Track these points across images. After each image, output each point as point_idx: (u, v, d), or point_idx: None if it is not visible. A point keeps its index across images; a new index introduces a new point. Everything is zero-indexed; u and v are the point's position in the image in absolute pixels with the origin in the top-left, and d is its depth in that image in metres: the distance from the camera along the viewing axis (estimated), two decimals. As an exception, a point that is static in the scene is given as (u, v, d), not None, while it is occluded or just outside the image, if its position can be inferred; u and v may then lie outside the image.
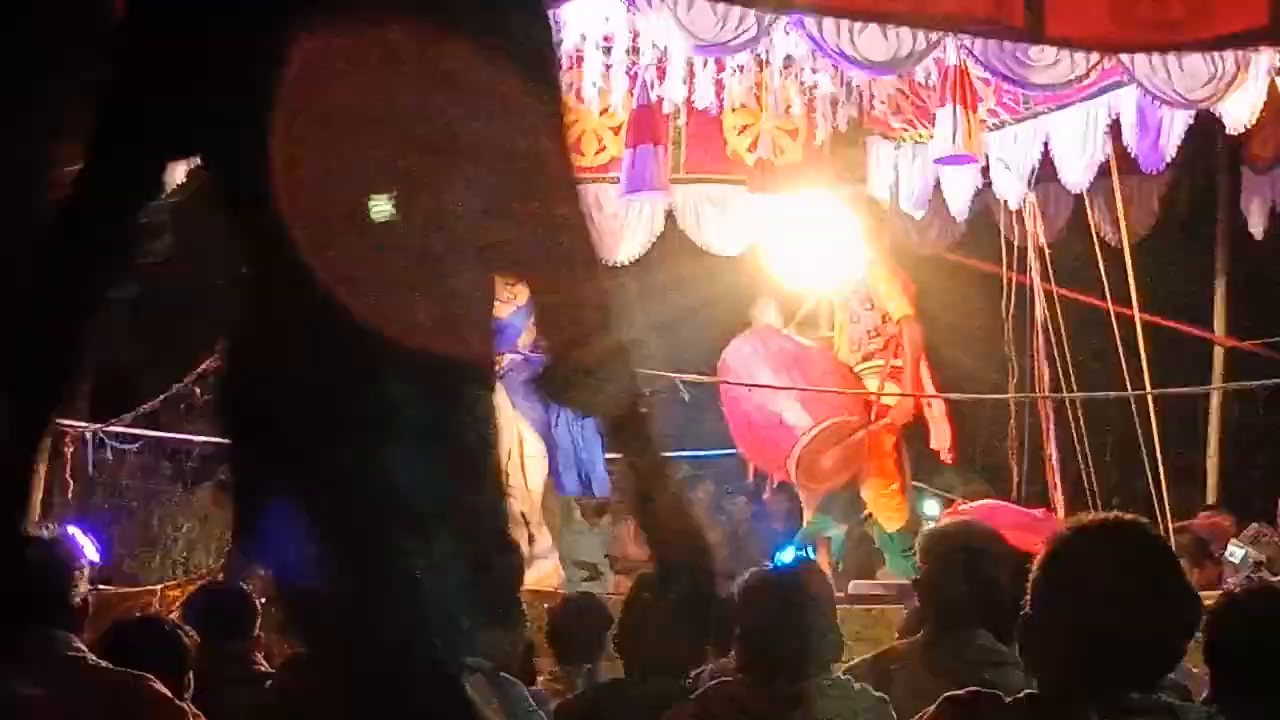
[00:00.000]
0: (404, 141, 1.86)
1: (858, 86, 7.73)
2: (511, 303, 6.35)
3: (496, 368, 2.12)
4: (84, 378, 2.06)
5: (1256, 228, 8.97)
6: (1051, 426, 8.54)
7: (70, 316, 2.02)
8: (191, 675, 3.89)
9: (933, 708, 2.50)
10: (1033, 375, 8.57)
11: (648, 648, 3.92)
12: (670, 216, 8.64)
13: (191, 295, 9.10)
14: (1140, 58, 6.66)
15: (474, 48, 1.89)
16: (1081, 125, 7.62)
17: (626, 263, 8.17)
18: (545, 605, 5.46)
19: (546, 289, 2.02)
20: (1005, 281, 8.62)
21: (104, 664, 3.26)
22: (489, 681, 3.64)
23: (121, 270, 2.06)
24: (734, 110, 8.05)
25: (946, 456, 7.40)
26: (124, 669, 3.28)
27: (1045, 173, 8.08)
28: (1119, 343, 7.96)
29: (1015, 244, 8.70)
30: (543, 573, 7.00)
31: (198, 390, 7.60)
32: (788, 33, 6.47)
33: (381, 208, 1.85)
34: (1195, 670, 3.21)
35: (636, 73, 6.86)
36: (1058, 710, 2.35)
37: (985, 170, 8.15)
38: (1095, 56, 6.67)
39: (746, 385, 7.22)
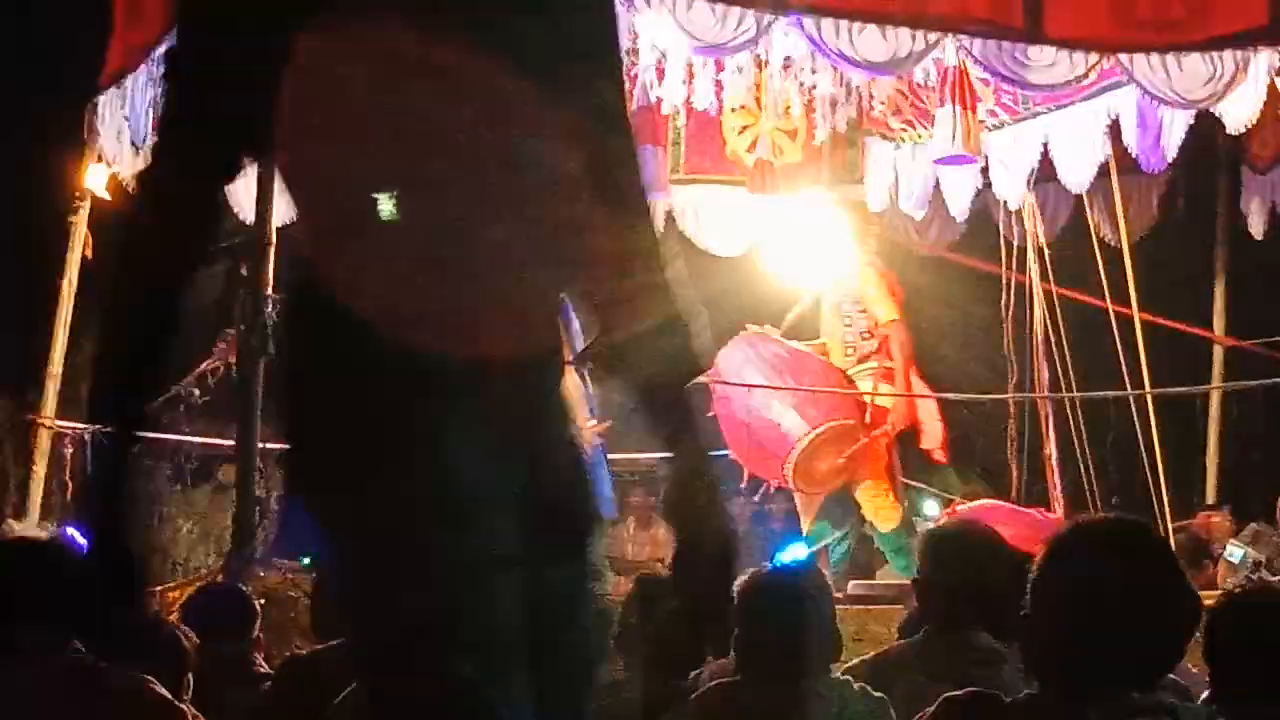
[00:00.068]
0: (473, 146, 1.88)
1: (857, 87, 7.72)
2: None
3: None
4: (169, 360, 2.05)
5: (1256, 227, 8.98)
6: (1051, 426, 8.54)
7: (162, 296, 2.03)
8: (191, 676, 3.89)
9: (932, 708, 2.50)
10: (1032, 375, 8.57)
11: (648, 647, 3.92)
12: (670, 217, 8.64)
13: (191, 295, 9.10)
14: (1139, 58, 6.66)
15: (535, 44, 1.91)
16: (1081, 125, 7.62)
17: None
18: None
19: (608, 263, 2.03)
20: (1005, 281, 8.62)
21: (103, 665, 3.26)
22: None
23: (207, 247, 2.06)
24: (733, 111, 8.05)
25: (939, 455, 7.39)
26: (123, 670, 3.28)
27: (1045, 173, 8.08)
28: (1118, 342, 7.96)
29: (1015, 244, 8.71)
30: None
31: (197, 391, 7.60)
32: (786, 33, 6.47)
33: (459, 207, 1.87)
34: (1195, 670, 3.22)
35: (636, 74, 6.86)
36: (1057, 710, 2.35)
37: (985, 170, 8.16)
38: (1094, 57, 6.67)
39: (747, 386, 7.21)
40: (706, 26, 6.32)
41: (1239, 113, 6.83)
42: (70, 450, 7.66)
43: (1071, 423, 8.37)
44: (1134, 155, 7.48)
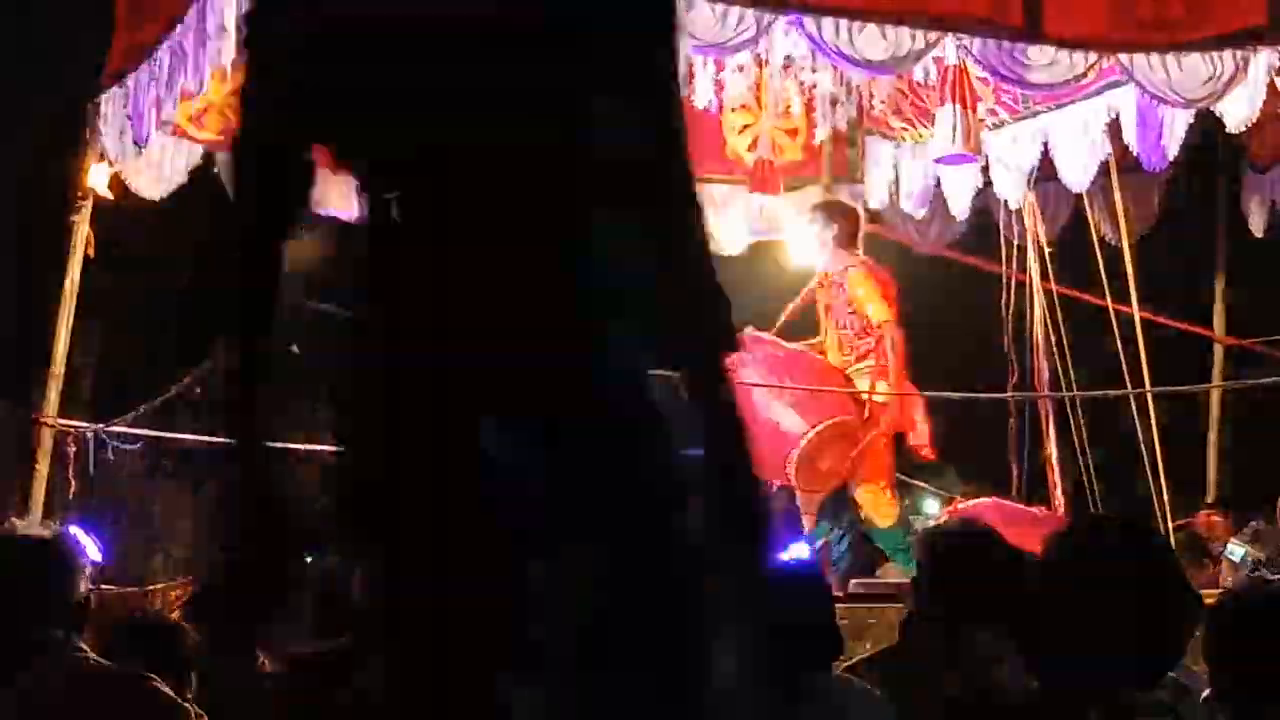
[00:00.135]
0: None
1: (857, 86, 7.73)
2: None
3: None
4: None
5: (1257, 226, 8.98)
6: (1051, 425, 8.55)
7: (268, 250, 2.11)
8: (194, 674, 3.90)
9: (933, 707, 2.51)
10: (1032, 374, 8.57)
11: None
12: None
13: (193, 295, 9.12)
14: (1139, 57, 6.66)
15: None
16: (1081, 125, 7.62)
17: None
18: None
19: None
20: (1005, 280, 8.62)
21: (106, 663, 3.27)
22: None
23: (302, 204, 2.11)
24: (734, 110, 8.05)
25: (927, 453, 7.37)
26: (126, 668, 3.29)
27: (1045, 172, 8.09)
28: (1119, 341, 7.97)
29: (1015, 243, 8.71)
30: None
31: (199, 390, 7.61)
32: (786, 32, 6.47)
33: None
34: (1196, 669, 3.22)
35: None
36: (1058, 709, 2.36)
37: (985, 169, 8.16)
38: (1094, 56, 6.67)
39: (748, 386, 7.21)
40: (706, 25, 6.32)
41: (1239, 112, 6.83)
42: (72, 449, 7.66)
43: (1072, 422, 8.38)
44: (1134, 154, 7.48)
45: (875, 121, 8.46)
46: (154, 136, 7.27)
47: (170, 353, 8.66)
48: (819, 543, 7.21)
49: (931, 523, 7.52)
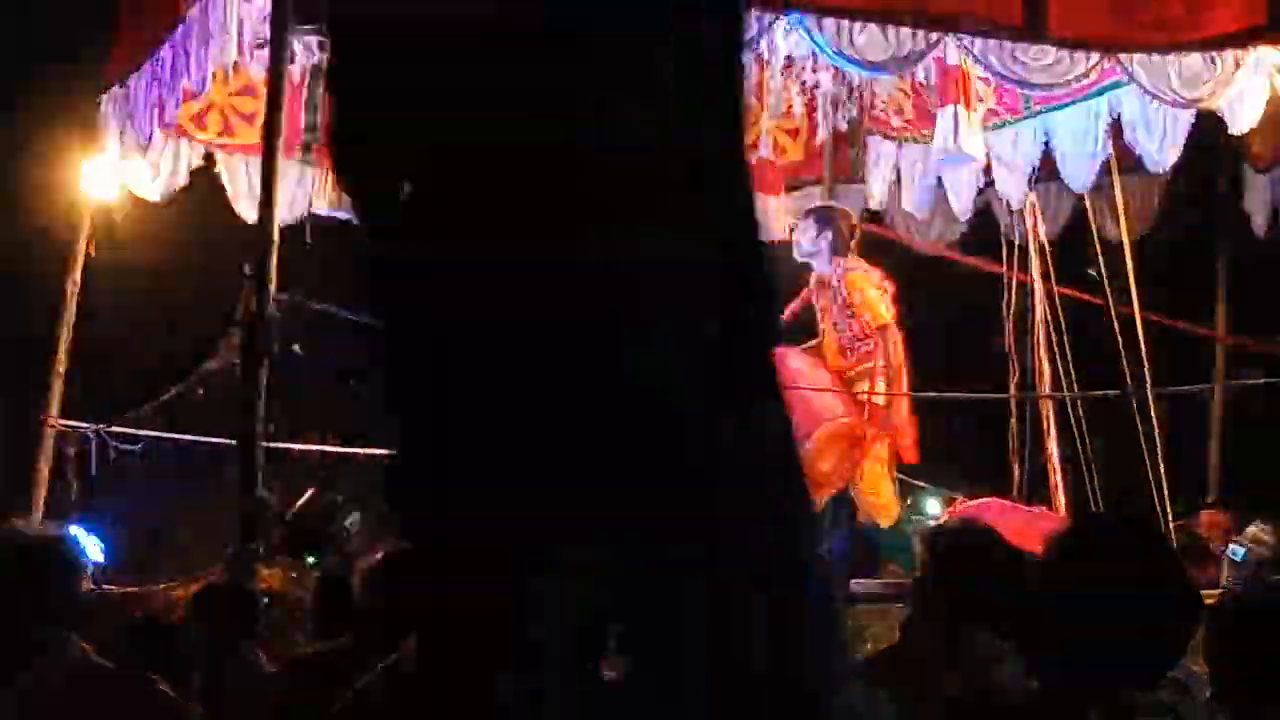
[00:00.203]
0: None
1: (858, 86, 7.73)
2: None
3: None
4: None
5: (1258, 226, 8.98)
6: (1053, 425, 8.55)
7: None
8: (195, 675, 3.91)
9: (933, 707, 2.51)
10: (1034, 374, 8.57)
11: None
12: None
13: (195, 296, 9.12)
14: (1140, 57, 6.66)
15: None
16: (1083, 124, 7.62)
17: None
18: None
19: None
20: (1006, 280, 8.63)
21: (108, 663, 3.27)
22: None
23: None
24: (734, 110, 8.04)
25: (911, 455, 7.36)
26: (127, 668, 3.29)
27: (1046, 172, 8.09)
28: (1120, 341, 7.96)
29: (1016, 243, 8.71)
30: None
31: (201, 390, 7.62)
32: (788, 32, 6.47)
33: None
34: (1197, 669, 3.22)
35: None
36: (1058, 708, 2.36)
37: (986, 169, 8.16)
38: (1095, 55, 6.67)
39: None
40: (707, 26, 6.31)
41: (1240, 112, 6.83)
42: (74, 449, 7.67)
43: (1073, 421, 8.38)
44: (1136, 154, 7.49)
45: (877, 121, 8.46)
46: (155, 137, 7.28)
47: (171, 353, 8.65)
48: (823, 547, 7.21)
49: (931, 523, 7.51)
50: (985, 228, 8.96)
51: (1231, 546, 7.59)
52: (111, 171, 7.51)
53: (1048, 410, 8.57)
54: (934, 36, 6.51)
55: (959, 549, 3.70)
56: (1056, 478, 8.46)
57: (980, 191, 8.40)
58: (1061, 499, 8.36)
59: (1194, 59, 6.61)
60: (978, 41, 6.59)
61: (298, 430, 8.46)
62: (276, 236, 6.40)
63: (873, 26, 6.45)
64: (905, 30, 6.49)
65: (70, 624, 3.23)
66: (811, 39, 6.43)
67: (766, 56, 6.75)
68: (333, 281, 8.38)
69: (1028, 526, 6.15)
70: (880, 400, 7.14)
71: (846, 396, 7.15)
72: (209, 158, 7.95)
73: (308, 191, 8.11)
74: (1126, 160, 7.75)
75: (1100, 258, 8.15)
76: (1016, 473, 8.63)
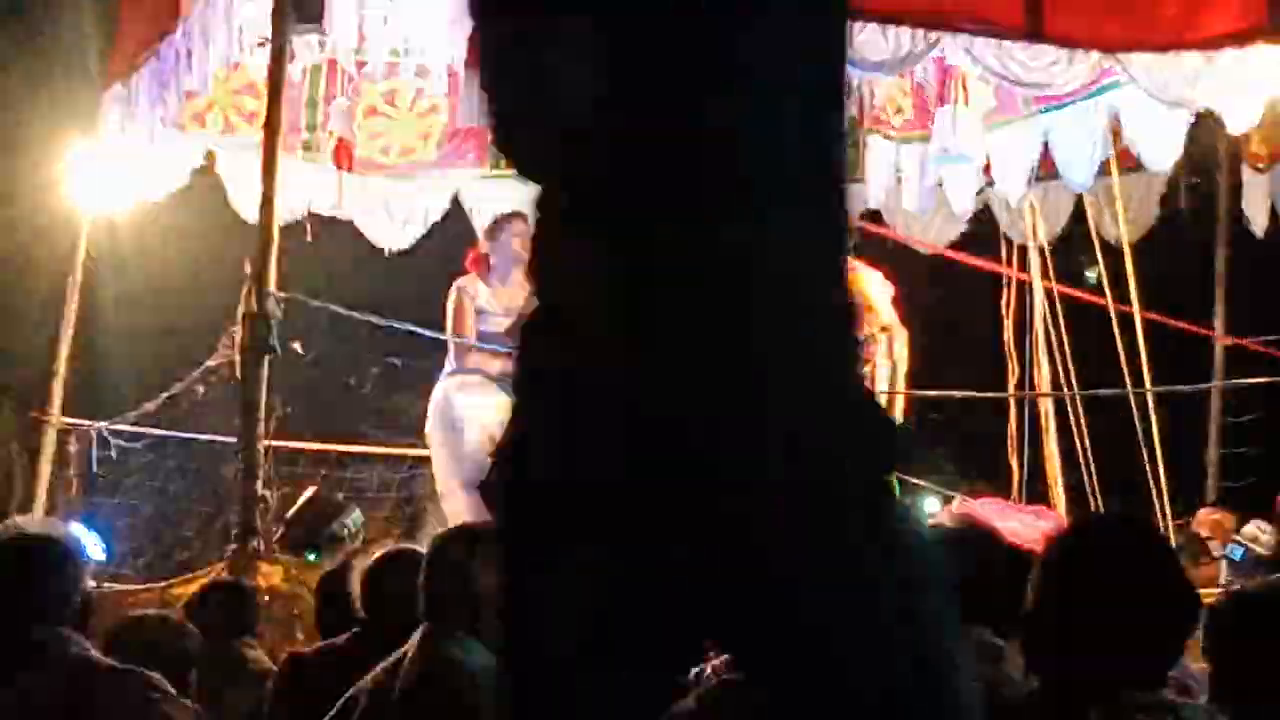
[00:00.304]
0: None
1: (858, 85, 7.73)
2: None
3: None
4: None
5: (1257, 226, 8.99)
6: (1052, 425, 8.56)
7: None
8: (194, 673, 3.91)
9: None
10: (1033, 373, 8.58)
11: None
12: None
13: (196, 293, 9.12)
14: (1139, 57, 6.67)
15: None
16: (1082, 124, 7.63)
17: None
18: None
19: None
20: (1006, 280, 8.63)
21: (108, 661, 3.27)
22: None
23: None
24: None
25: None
26: (128, 666, 3.29)
27: (1046, 171, 8.10)
28: (1119, 341, 7.97)
29: (1016, 242, 8.72)
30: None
31: (201, 388, 7.62)
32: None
33: None
34: (1197, 668, 3.23)
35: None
36: (1058, 707, 2.36)
37: (986, 169, 8.17)
38: (1094, 55, 6.68)
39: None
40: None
41: (1240, 112, 6.84)
42: (74, 447, 7.67)
43: (1072, 421, 8.38)
44: (1135, 154, 7.49)
45: (876, 121, 8.46)
46: (156, 135, 7.28)
47: (172, 350, 8.66)
48: None
49: (931, 523, 7.51)
50: (985, 228, 8.97)
51: (1231, 546, 7.60)
52: (112, 170, 7.51)
53: (1047, 410, 8.58)
54: (934, 36, 6.52)
55: (957, 547, 3.70)
56: (1055, 478, 8.47)
57: (980, 191, 8.41)
58: (1061, 499, 8.37)
59: (1194, 59, 6.61)
60: (977, 41, 6.59)
61: (298, 428, 8.47)
62: (277, 234, 6.41)
63: (872, 26, 6.46)
64: (904, 30, 6.49)
65: (70, 623, 3.23)
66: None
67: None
68: (333, 280, 8.40)
69: (1027, 526, 6.16)
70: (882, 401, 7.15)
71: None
72: (210, 156, 7.95)
73: (308, 189, 8.12)
74: (1126, 160, 7.76)
75: (1100, 258, 8.16)
76: (1015, 473, 8.63)
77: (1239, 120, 6.89)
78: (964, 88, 6.93)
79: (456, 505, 6.69)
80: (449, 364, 6.90)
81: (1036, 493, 8.57)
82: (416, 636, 3.26)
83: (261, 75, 6.97)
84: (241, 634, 4.75)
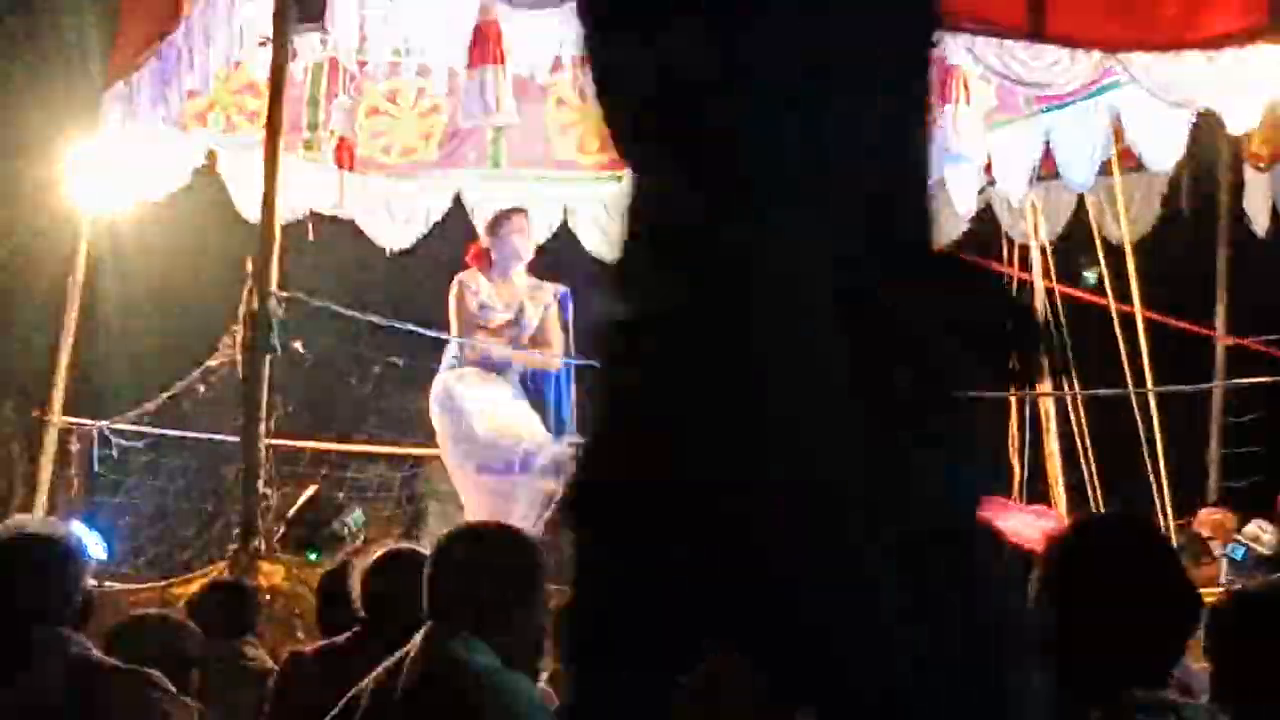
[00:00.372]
0: None
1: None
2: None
3: None
4: None
5: (1259, 225, 8.98)
6: (1053, 424, 8.55)
7: None
8: (195, 672, 3.91)
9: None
10: (1033, 373, 8.56)
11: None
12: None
13: (197, 293, 9.12)
14: (1140, 57, 6.67)
15: None
16: (1083, 124, 7.63)
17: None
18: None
19: None
20: (1006, 280, 8.63)
21: (109, 661, 3.27)
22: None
23: None
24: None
25: None
26: (129, 666, 3.29)
27: (1047, 171, 8.10)
28: (1120, 340, 7.97)
29: (1017, 242, 8.71)
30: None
31: (202, 387, 7.62)
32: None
33: None
34: (1197, 668, 3.23)
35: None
36: (1059, 707, 2.36)
37: (987, 168, 8.17)
38: (1096, 55, 6.68)
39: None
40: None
41: (1240, 112, 6.84)
42: (76, 446, 7.67)
43: (1073, 420, 8.38)
44: (1136, 153, 7.49)
45: (877, 120, 8.45)
46: (158, 134, 7.28)
47: (173, 349, 8.66)
48: None
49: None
50: (986, 227, 8.96)
51: (1231, 546, 7.60)
52: (113, 169, 7.51)
53: (1047, 410, 8.58)
54: (935, 36, 6.50)
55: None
56: (1056, 477, 8.47)
57: (981, 191, 8.40)
58: (1061, 498, 8.36)
59: (1195, 59, 6.61)
60: (979, 41, 6.59)
61: (299, 427, 8.47)
62: (278, 234, 6.41)
63: (873, 26, 6.44)
64: (905, 30, 6.48)
65: (71, 623, 3.23)
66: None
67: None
68: (334, 279, 8.40)
69: (1028, 526, 6.16)
70: None
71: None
72: (211, 155, 7.95)
73: (309, 189, 8.12)
74: (1127, 160, 7.76)
75: (1101, 257, 8.16)
76: (1016, 472, 8.63)
77: (1240, 120, 6.89)
78: (965, 87, 6.93)
79: (469, 488, 6.73)
80: (448, 357, 6.92)
81: (1037, 492, 8.56)
82: (419, 636, 3.25)
83: (263, 74, 6.97)
84: (242, 633, 4.75)
